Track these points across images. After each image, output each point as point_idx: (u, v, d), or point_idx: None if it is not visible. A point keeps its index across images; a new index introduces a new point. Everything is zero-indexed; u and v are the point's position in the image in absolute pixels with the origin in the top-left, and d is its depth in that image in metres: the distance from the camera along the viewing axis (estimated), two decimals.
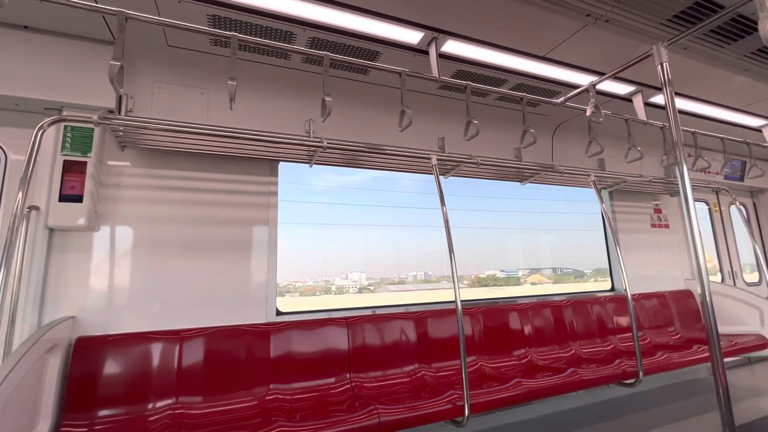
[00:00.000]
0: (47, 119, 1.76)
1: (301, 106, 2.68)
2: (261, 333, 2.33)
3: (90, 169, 2.09)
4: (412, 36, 2.24)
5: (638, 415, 2.91)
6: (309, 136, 2.61)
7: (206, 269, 2.40)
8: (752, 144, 3.79)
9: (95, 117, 1.84)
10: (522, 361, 2.95)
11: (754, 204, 5.20)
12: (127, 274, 2.23)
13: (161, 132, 2.04)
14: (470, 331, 2.92)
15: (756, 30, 2.24)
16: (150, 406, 1.96)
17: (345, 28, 2.16)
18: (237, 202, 2.55)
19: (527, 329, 3.12)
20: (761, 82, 2.99)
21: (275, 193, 2.68)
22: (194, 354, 2.15)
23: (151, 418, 1.90)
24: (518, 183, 3.45)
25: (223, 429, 1.82)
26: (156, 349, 2.08)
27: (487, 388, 2.28)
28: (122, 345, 2.04)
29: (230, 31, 2.04)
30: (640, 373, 2.66)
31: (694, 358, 2.98)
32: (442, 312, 2.87)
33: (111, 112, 2.15)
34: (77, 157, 2.08)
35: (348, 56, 2.29)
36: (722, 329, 3.71)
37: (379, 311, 2.78)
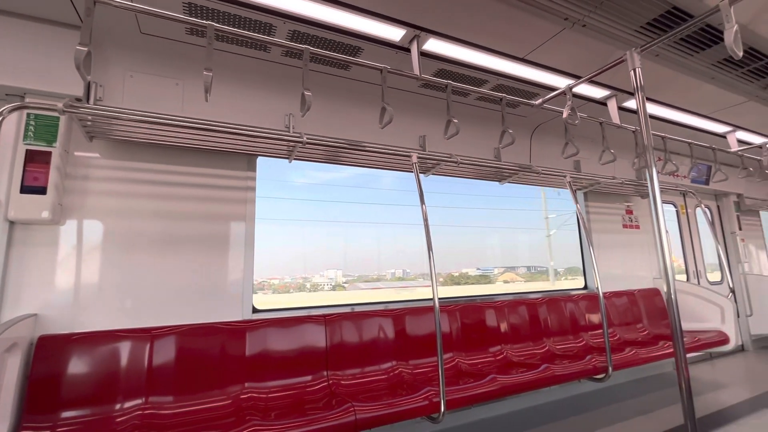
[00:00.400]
0: (8, 106, 1.67)
1: (281, 101, 2.64)
2: (236, 331, 2.29)
3: (55, 160, 1.99)
4: (393, 33, 2.23)
5: (607, 408, 3.02)
6: (288, 131, 2.57)
7: (180, 266, 2.33)
8: (717, 149, 3.97)
9: (60, 105, 1.75)
10: (498, 358, 3.01)
11: (718, 207, 5.46)
12: (96, 270, 2.14)
13: (133, 123, 1.97)
14: (448, 328, 2.95)
15: (722, 40, 2.34)
16: (118, 406, 1.89)
17: (326, 22, 2.13)
18: (213, 196, 2.49)
19: (503, 326, 3.18)
20: (726, 90, 3.14)
21: (253, 189, 2.63)
22: (166, 353, 2.09)
23: (118, 419, 1.84)
24: (497, 182, 3.50)
25: (196, 429, 1.77)
26: (124, 348, 2.01)
27: (464, 384, 2.31)
28: (88, 344, 1.96)
29: (207, 20, 1.98)
30: (610, 369, 2.75)
31: (659, 353, 3.11)
32: (421, 309, 2.88)
33: (78, 100, 2.05)
34: (41, 147, 1.98)
35: (329, 51, 2.27)
36: (686, 326, 3.89)
37: (358, 308, 2.78)
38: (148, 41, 2.22)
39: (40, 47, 1.99)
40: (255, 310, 2.52)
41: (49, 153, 1.99)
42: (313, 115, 2.68)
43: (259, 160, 2.69)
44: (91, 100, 2.12)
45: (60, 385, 1.84)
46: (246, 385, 2.18)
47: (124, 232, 2.22)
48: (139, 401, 1.93)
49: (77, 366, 1.91)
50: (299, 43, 2.16)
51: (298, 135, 2.30)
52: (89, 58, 1.64)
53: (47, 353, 1.88)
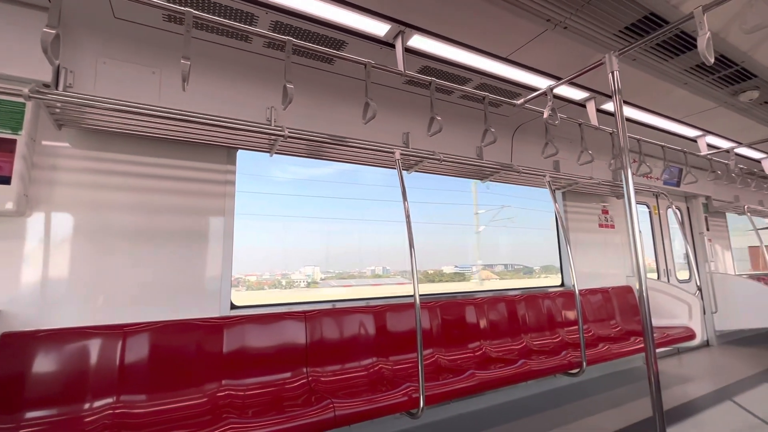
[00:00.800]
0: None
1: (263, 93, 2.58)
2: (213, 327, 2.24)
3: (20, 149, 1.89)
4: (378, 27, 2.22)
5: (581, 402, 3.11)
6: (270, 124, 2.52)
7: (156, 261, 2.26)
8: (688, 153, 4.13)
9: (26, 90, 1.67)
10: (477, 354, 3.05)
11: (687, 208, 5.68)
12: (66, 264, 2.05)
13: (106, 111, 1.89)
14: (428, 324, 2.97)
15: (695, 46, 2.42)
16: (87, 405, 1.82)
17: (310, 14, 2.09)
18: (191, 190, 2.42)
19: (483, 323, 3.23)
20: (698, 96, 3.26)
21: (232, 182, 2.57)
22: (139, 350, 2.02)
23: (87, 419, 1.77)
24: (479, 181, 3.54)
25: (170, 428, 1.73)
26: (94, 345, 1.94)
27: (443, 380, 2.33)
28: (55, 341, 1.88)
29: (185, 6, 1.91)
30: (584, 364, 2.83)
31: (631, 348, 3.22)
32: (401, 306, 2.89)
33: (47, 86, 1.95)
34: (5, 134, 1.87)
35: (312, 44, 2.23)
36: (656, 322, 4.04)
37: (339, 305, 2.76)
38: (122, 27, 2.13)
39: (4, 29, 1.88)
40: (233, 307, 2.47)
41: (14, 141, 1.89)
42: (296, 109, 2.64)
43: (240, 153, 2.64)
44: (61, 87, 2.02)
45: (25, 384, 1.76)
46: (223, 382, 2.14)
47: (95, 225, 2.14)
48: (109, 400, 1.87)
49: (43, 364, 1.82)
50: (282, 35, 2.12)
51: (280, 128, 2.26)
52: (57, 41, 1.56)
53: (11, 351, 1.79)
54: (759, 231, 5.66)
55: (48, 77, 1.95)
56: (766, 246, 5.09)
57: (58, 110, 1.87)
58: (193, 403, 2.00)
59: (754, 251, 7.30)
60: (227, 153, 2.56)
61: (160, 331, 2.10)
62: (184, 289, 2.31)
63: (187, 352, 2.13)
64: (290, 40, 2.03)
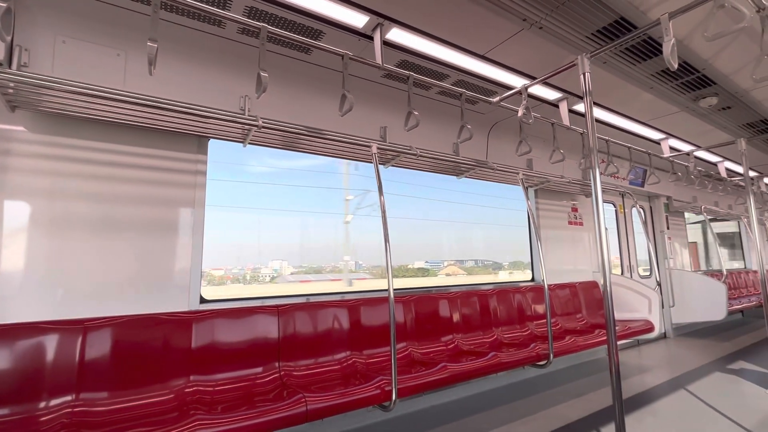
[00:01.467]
0: None
1: (236, 81, 2.50)
2: (181, 322, 2.17)
3: None
4: (357, 19, 2.19)
5: (548, 392, 3.23)
6: (243, 114, 2.45)
7: (122, 253, 2.16)
8: (652, 154, 4.32)
9: None
10: (449, 347, 3.10)
11: (651, 207, 5.97)
12: (20, 256, 1.93)
13: (65, 94, 1.78)
14: (402, 318, 3.00)
15: (662, 52, 2.53)
16: (42, 404, 1.73)
17: (286, 1, 2.04)
18: (159, 179, 2.33)
19: (456, 317, 3.29)
20: (663, 100, 3.41)
21: (203, 173, 2.49)
22: (101, 346, 1.93)
23: (43, 418, 1.68)
24: (455, 177, 3.58)
25: (133, 426, 1.66)
26: (51, 341, 1.84)
27: (415, 372, 2.36)
28: (7, 337, 1.77)
29: None
30: (551, 356, 2.94)
31: (595, 341, 3.36)
32: (376, 300, 2.90)
33: None
34: None
35: (289, 32, 2.18)
36: (619, 315, 4.24)
37: (313, 299, 2.74)
38: (84, 4, 2.00)
39: None
40: (203, 301, 2.41)
41: None
42: (271, 99, 2.58)
43: (212, 143, 2.55)
44: (14, 65, 1.88)
45: None
46: (191, 378, 2.08)
47: (55, 214, 2.02)
48: (68, 398, 1.78)
49: None
50: (257, 21, 2.05)
51: (254, 118, 2.20)
52: (9, 15, 1.45)
53: None
54: (704, 228, 6.02)
55: None
56: (719, 245, 5.42)
57: (11, 90, 1.75)
58: (159, 400, 1.94)
59: (693, 246, 7.78)
60: (198, 142, 2.48)
61: (124, 325, 2.02)
62: (151, 282, 2.22)
63: (153, 348, 2.05)
64: (265, 27, 1.97)
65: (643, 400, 3.04)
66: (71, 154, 2.10)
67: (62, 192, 2.05)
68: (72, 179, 2.08)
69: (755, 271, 7.64)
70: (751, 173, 5.91)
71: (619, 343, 3.85)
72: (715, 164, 5.45)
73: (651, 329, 3.94)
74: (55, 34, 2.00)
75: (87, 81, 1.88)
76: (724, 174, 5.19)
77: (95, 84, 1.85)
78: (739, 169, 5.75)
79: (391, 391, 2.10)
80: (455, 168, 3.37)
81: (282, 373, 2.33)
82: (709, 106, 3.57)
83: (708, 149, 4.71)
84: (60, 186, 2.04)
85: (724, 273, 5.70)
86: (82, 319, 1.95)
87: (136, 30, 2.17)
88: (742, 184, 5.63)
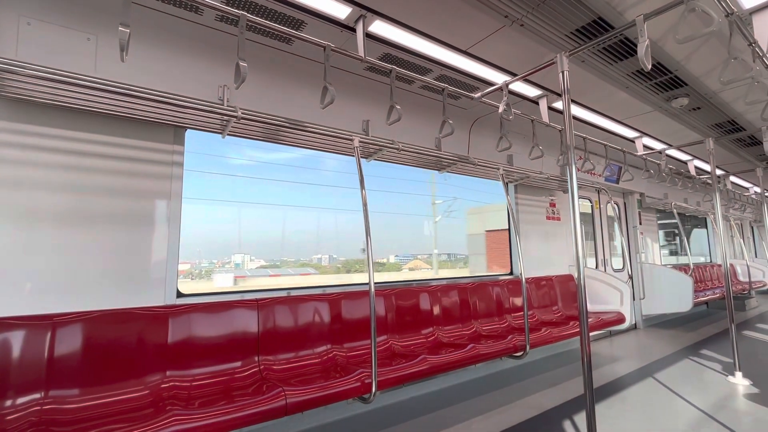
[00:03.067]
0: None
1: (215, 70, 2.44)
2: (157, 317, 2.12)
3: None
4: (339, 9, 2.16)
5: (524, 382, 3.32)
6: (222, 104, 2.39)
7: (94, 246, 2.08)
8: (627, 152, 4.46)
9: None
10: (429, 339, 3.15)
11: (624, 203, 6.17)
12: None
13: (31, 79, 1.69)
14: (383, 311, 3.01)
15: (637, 53, 2.61)
16: (9, 402, 1.66)
17: None
18: (133, 170, 2.25)
19: (436, 310, 3.33)
20: (637, 99, 3.52)
21: (180, 164, 2.42)
22: (71, 342, 1.87)
23: (9, 417, 1.62)
24: (437, 171, 3.61)
25: (106, 422, 1.62)
26: (17, 338, 1.76)
27: (396, 365, 2.38)
28: None
29: None
30: (527, 347, 3.02)
31: (569, 332, 3.47)
32: (357, 293, 2.91)
33: None
34: None
35: (269, 21, 2.13)
36: (592, 307, 4.38)
37: (294, 293, 2.72)
38: None
39: None
40: (180, 295, 2.36)
41: None
42: (251, 89, 2.52)
43: (189, 133, 2.48)
44: None
45: None
46: (167, 373, 2.04)
47: (21, 206, 1.93)
48: (36, 396, 1.72)
49: None
50: (236, 9, 2.00)
51: (233, 109, 2.15)
52: None
53: None
54: (679, 225, 6.28)
55: None
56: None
57: None
58: (133, 396, 1.89)
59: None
60: (174, 132, 2.40)
61: (95, 321, 1.96)
62: (125, 276, 2.16)
63: (127, 343, 2.00)
64: (244, 15, 1.92)
65: (613, 388, 3.16)
66: (37, 143, 2.00)
67: (28, 182, 1.95)
68: (38, 169, 1.99)
69: (719, 265, 8.04)
70: (718, 171, 6.19)
71: (591, 334, 3.99)
72: (685, 162, 5.67)
73: (622, 320, 4.10)
74: (19, 15, 1.90)
75: (54, 66, 1.80)
76: (693, 172, 5.41)
77: (63, 69, 1.77)
78: (707, 167, 6.01)
79: (371, 383, 2.11)
80: (437, 162, 3.39)
81: (262, 367, 2.31)
82: (680, 107, 3.70)
83: (679, 148, 4.90)
84: (25, 176, 1.95)
85: (691, 267, 5.97)
86: (51, 315, 1.88)
87: (107, 13, 2.08)
88: (709, 182, 5.89)
